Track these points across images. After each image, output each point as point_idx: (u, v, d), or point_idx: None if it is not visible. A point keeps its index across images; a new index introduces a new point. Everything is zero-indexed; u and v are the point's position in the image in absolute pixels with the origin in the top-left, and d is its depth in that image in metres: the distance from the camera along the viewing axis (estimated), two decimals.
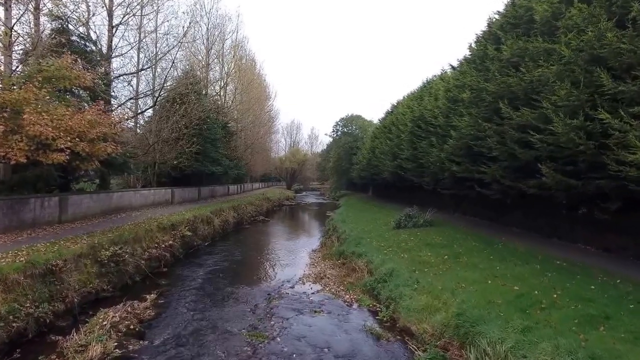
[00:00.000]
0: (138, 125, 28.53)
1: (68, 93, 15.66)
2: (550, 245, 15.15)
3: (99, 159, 14.46)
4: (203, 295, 13.89)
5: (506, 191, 15.45)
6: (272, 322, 11.20)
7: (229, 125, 46.89)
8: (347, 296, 13.51)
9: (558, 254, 13.58)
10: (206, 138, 33.28)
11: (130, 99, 22.93)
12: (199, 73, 39.99)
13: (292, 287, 14.91)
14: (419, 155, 24.73)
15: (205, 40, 42.61)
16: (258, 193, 57.57)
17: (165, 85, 22.69)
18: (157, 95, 22.08)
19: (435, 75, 34.45)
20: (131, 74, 22.60)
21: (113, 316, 10.26)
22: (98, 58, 20.19)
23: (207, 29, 42.73)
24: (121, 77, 23.40)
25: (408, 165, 27.55)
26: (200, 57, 41.70)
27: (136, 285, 14.61)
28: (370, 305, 12.45)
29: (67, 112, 12.20)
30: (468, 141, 16.42)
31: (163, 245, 18.06)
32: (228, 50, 47.24)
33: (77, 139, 12.44)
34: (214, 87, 46.04)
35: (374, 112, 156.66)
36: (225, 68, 47.11)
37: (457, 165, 18.04)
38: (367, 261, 15.43)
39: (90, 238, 14.25)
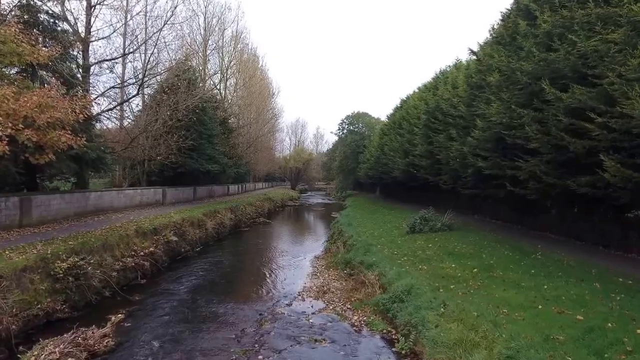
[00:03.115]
0: (125, 117, 26.28)
1: (26, 74, 13.46)
2: (599, 256, 12.74)
3: (55, 152, 12.19)
4: (182, 315, 11.67)
5: (546, 190, 13.00)
6: (260, 357, 8.89)
7: (229, 121, 44.69)
8: (355, 317, 11.23)
9: (614, 267, 11.22)
10: (201, 133, 31.05)
11: (112, 87, 20.72)
12: (194, 64, 37.81)
13: (289, 305, 12.63)
14: (435, 151, 22.33)
15: (202, 30, 40.46)
16: (260, 193, 55.37)
17: (149, 71, 20.38)
18: (140, 82, 19.78)
19: (449, 66, 32.04)
20: (113, 59, 20.41)
21: (52, 352, 7.96)
22: (72, 38, 18.01)
23: (205, 18, 40.60)
24: (103, 64, 21.16)
25: (422, 162, 25.12)
26: (196, 47, 39.41)
27: (104, 302, 12.42)
28: (384, 331, 10.13)
29: (9, 93, 9.94)
30: (499, 131, 13.99)
31: (142, 253, 15.86)
32: (228, 41, 45.04)
33: (21, 126, 10.19)
34: (212, 80, 43.86)
35: (381, 110, 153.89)
36: (225, 60, 44.93)
37: (483, 160, 15.60)
38: (379, 274, 13.06)
39: (46, 246, 12.00)
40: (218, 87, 44.92)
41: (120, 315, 11.20)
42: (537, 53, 12.51)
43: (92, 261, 12.49)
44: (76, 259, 11.83)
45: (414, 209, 31.06)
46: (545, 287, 9.64)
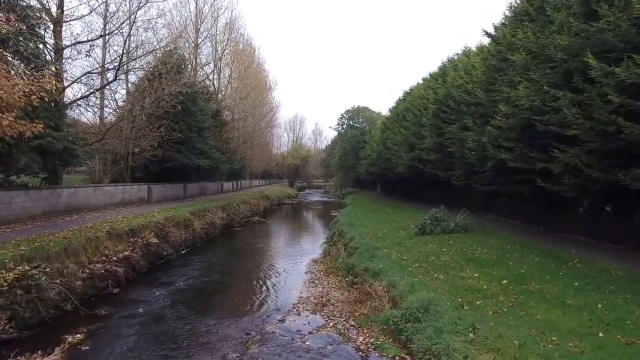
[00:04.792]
0: (106, 107, 24.31)
1: None
2: None
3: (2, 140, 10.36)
4: (154, 334, 9.93)
5: (583, 186, 11.18)
6: None
7: (223, 114, 42.84)
8: (361, 338, 9.49)
9: None
10: (191, 126, 29.21)
11: (88, 72, 18.85)
12: (185, 53, 35.99)
13: (282, 321, 10.88)
14: (447, 143, 20.49)
15: (193, 17, 38.54)
16: (256, 191, 53.60)
17: (129, 53, 18.49)
18: (117, 66, 17.85)
19: (456, 53, 30.19)
20: (89, 41, 18.49)
21: None
22: (38, 14, 16.17)
23: (196, 4, 38.70)
24: (80, 48, 19.25)
25: (430, 157, 23.29)
26: (186, 35, 37.45)
27: (65, 318, 10.66)
28: (397, 358, 8.33)
29: None
30: (528, 117, 12.15)
31: (114, 258, 14.08)
32: (221, 29, 43.05)
33: None
34: (205, 71, 41.93)
35: (382, 104, 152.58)
36: (219, 50, 42.94)
37: (507, 151, 13.73)
38: (388, 284, 11.20)
39: None
40: (210, 78, 43.04)
41: (78, 335, 9.50)
42: (576, 24, 10.71)
43: (48, 269, 10.69)
44: (27, 267, 10.06)
45: (418, 208, 29.38)
46: (600, 306, 7.86)
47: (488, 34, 19.59)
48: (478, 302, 8.83)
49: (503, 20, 18.36)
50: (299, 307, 11.98)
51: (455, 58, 29.22)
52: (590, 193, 11.37)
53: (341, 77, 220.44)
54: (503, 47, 15.51)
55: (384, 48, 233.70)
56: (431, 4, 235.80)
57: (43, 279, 10.28)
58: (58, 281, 11.00)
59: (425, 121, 24.68)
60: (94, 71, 19.29)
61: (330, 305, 11.93)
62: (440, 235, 16.46)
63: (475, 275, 10.67)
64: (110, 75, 21.23)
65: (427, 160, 24.10)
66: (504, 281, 9.87)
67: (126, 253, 14.87)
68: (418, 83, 40.37)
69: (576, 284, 9.26)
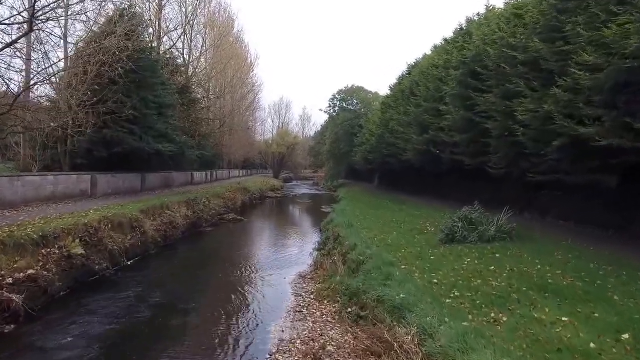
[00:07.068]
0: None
1: None
2: None
3: None
4: None
5: None
6: None
7: (193, 90, 38.98)
8: None
9: None
10: (147, 101, 25.29)
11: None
12: (146, 16, 32.13)
13: None
14: (479, 119, 16.77)
15: None
16: (234, 182, 49.87)
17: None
18: (32, 13, 13.89)
19: (476, 14, 26.53)
20: None
21: None
22: None
23: None
24: None
25: (454, 138, 19.56)
26: None
27: None
28: None
29: None
30: (633, 67, 8.50)
31: (9, 280, 10.39)
32: None
33: None
34: (171, 39, 37.94)
35: (376, 87, 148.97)
36: (188, 14, 38.88)
37: (593, 122, 10.06)
38: (419, 331, 7.53)
39: None
40: (179, 47, 39.07)
41: None
42: None
43: None
44: None
45: (431, 204, 26.11)
46: None
47: None
48: None
49: None
50: (278, 359, 8.46)
51: (476, 19, 25.67)
52: None
53: (330, 58, 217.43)
54: None
55: (374, 26, 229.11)
56: None
57: None
58: None
59: (447, 91, 20.77)
60: (5, 22, 15.35)
61: (326, 357, 8.38)
62: (477, 244, 12.93)
63: (564, 319, 7.08)
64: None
65: (447, 142, 20.42)
66: (625, 336, 6.31)
67: (31, 271, 11.16)
68: (426, 54, 37.01)
69: None
